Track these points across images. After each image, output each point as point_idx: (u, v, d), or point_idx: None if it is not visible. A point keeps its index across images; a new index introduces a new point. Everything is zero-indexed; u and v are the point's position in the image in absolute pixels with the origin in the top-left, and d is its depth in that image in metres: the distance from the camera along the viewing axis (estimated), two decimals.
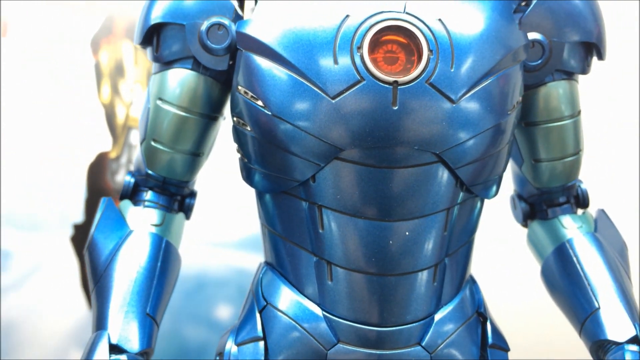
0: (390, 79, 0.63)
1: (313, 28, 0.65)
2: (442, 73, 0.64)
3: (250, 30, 0.68)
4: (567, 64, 0.76)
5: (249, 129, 0.69)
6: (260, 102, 0.67)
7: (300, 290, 0.70)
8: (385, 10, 0.64)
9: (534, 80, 0.75)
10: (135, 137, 1.37)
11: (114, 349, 0.68)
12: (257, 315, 0.72)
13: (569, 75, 0.77)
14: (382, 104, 0.63)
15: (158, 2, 0.73)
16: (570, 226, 0.82)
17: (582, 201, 0.85)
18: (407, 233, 0.66)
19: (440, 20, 0.65)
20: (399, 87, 0.63)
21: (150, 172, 0.77)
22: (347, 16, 0.64)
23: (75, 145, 1.33)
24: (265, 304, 0.72)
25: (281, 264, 0.73)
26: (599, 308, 0.75)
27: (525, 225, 0.87)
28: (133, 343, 0.69)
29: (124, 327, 0.69)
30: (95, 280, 0.74)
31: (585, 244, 0.79)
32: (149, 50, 0.76)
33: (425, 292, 0.69)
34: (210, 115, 0.76)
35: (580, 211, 0.85)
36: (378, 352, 0.67)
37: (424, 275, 0.68)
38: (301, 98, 0.64)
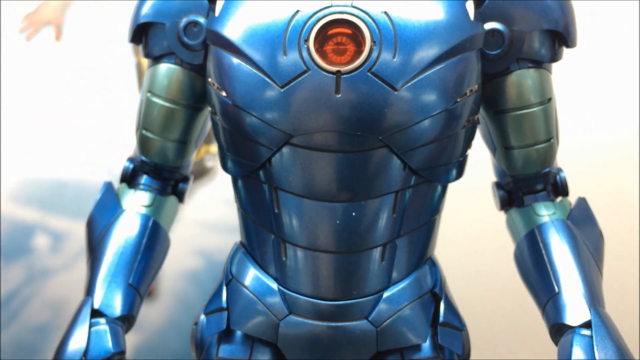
0: (334, 68, 0.67)
1: (267, 23, 0.70)
2: (384, 62, 0.67)
3: (216, 26, 0.74)
4: (532, 52, 0.77)
5: (219, 117, 0.76)
6: (224, 93, 0.73)
7: (263, 267, 0.76)
8: (334, 4, 0.69)
9: (497, 69, 0.77)
10: None
11: (96, 313, 0.76)
12: (224, 288, 0.78)
13: (537, 63, 0.78)
14: (325, 92, 0.67)
15: (145, 3, 0.81)
16: (543, 213, 0.83)
17: (560, 189, 0.85)
18: (353, 214, 0.70)
19: (385, 12, 0.69)
20: (342, 76, 0.67)
21: (144, 158, 0.85)
22: (297, 11, 0.69)
23: (119, 139, 1.45)
24: (231, 278, 0.78)
25: (250, 243, 0.79)
26: (558, 292, 0.76)
27: (505, 211, 0.89)
28: (113, 309, 0.77)
29: (106, 295, 0.77)
30: (90, 253, 0.83)
31: (552, 230, 0.80)
32: (140, 47, 0.84)
33: (373, 270, 0.72)
34: (195, 106, 0.82)
35: (558, 199, 0.85)
36: (326, 323, 0.72)
37: (372, 254, 0.72)
38: (256, 88, 0.70)
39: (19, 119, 1.45)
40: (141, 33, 0.82)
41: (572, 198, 0.86)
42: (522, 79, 0.78)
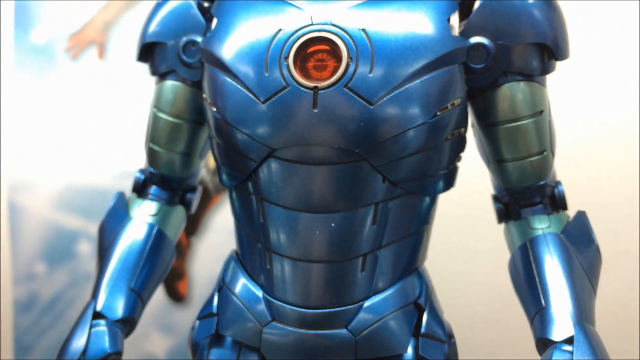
0: (311, 84, 0.70)
1: (252, 42, 0.73)
2: (360, 77, 0.69)
3: (208, 45, 0.78)
4: (519, 65, 0.77)
5: (212, 132, 0.80)
6: (214, 109, 0.77)
7: (252, 276, 0.79)
8: (315, 23, 0.72)
9: (484, 82, 0.77)
10: None
11: (98, 315, 0.81)
12: (216, 295, 0.82)
13: (527, 76, 0.78)
14: (304, 107, 0.70)
15: (150, 24, 0.86)
16: (537, 226, 0.82)
17: (558, 202, 0.84)
18: (332, 224, 0.73)
19: (364, 29, 0.71)
20: (319, 91, 0.70)
21: (152, 170, 0.91)
22: (279, 30, 0.72)
23: None
24: (222, 285, 0.81)
25: (242, 252, 0.82)
26: (545, 307, 0.75)
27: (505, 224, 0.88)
28: (114, 311, 0.81)
29: (108, 298, 0.82)
30: (98, 258, 0.88)
31: (544, 244, 0.80)
32: (148, 65, 0.89)
33: (353, 280, 0.74)
34: (198, 121, 0.87)
35: (556, 213, 0.84)
36: (306, 331, 0.74)
37: (351, 265, 0.74)
38: (241, 104, 0.73)
39: (63, 130, 1.55)
40: (147, 52, 0.87)
41: (574, 204, 0.85)
42: (512, 92, 0.78)
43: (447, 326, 0.81)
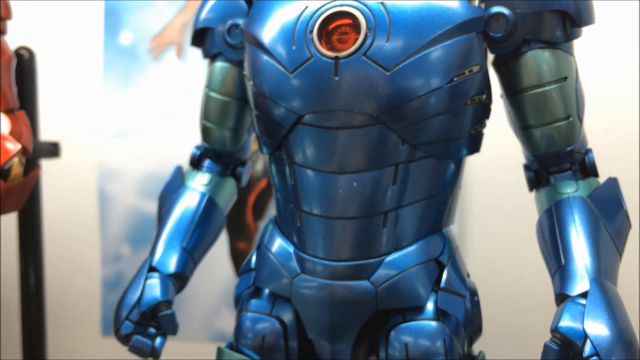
0: (333, 54, 0.76)
1: (282, 21, 0.81)
2: (377, 47, 0.75)
3: (247, 26, 0.86)
4: (541, 33, 0.80)
5: (252, 108, 0.88)
6: (252, 83, 0.85)
7: (285, 235, 0.86)
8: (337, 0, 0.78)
9: (506, 50, 0.81)
10: None
11: (153, 270, 0.91)
12: (254, 253, 0.90)
13: (549, 44, 0.80)
14: (326, 75, 0.76)
15: (201, 12, 0.96)
16: (564, 191, 0.84)
17: (589, 169, 0.85)
18: (354, 184, 0.78)
19: (382, 3, 0.76)
20: (340, 60, 0.76)
21: (206, 145, 1.00)
22: (306, 7, 0.79)
23: None
24: (260, 244, 0.89)
25: (279, 215, 0.89)
26: (565, 265, 0.77)
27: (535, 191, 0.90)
28: (167, 266, 0.91)
29: (162, 255, 0.92)
30: (157, 223, 0.98)
31: (568, 206, 0.81)
32: (201, 50, 0.99)
33: (374, 235, 0.79)
34: (244, 98, 0.95)
35: (586, 180, 0.85)
36: (330, 282, 0.80)
37: (373, 221, 0.79)
38: (273, 76, 0.81)
39: (146, 124, 1.69)
40: (200, 37, 0.97)
41: None
42: (535, 59, 0.81)
43: (470, 284, 0.85)
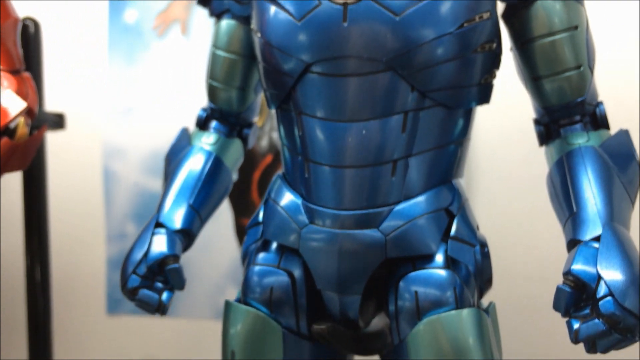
0: (341, 0, 0.75)
1: None
2: None
3: None
4: None
5: (258, 59, 0.87)
6: (259, 34, 0.84)
7: (293, 187, 0.86)
8: None
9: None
10: None
11: (160, 226, 0.91)
12: (262, 207, 0.89)
13: None
14: (335, 21, 0.76)
15: None
16: (575, 142, 0.83)
17: (600, 121, 0.85)
18: (364, 132, 0.78)
19: None
20: (348, 6, 0.75)
21: (212, 105, 1.00)
22: None
23: None
24: (268, 198, 0.88)
25: (286, 169, 0.88)
26: (576, 211, 0.76)
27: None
28: (174, 222, 0.91)
29: (169, 211, 0.92)
30: (163, 182, 0.98)
31: (579, 155, 0.81)
32: (207, 9, 0.98)
33: (383, 184, 0.78)
34: (250, 56, 0.95)
35: (595, 131, 0.85)
36: (339, 231, 0.79)
37: (382, 170, 0.78)
38: (280, 25, 0.80)
39: (150, 101, 1.69)
40: None
41: None
42: (545, 8, 0.81)
43: (480, 237, 0.84)
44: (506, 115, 1.43)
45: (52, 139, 1.50)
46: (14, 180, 1.57)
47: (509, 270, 1.46)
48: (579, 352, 0.77)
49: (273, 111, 1.60)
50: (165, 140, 1.68)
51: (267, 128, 1.63)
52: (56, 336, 1.43)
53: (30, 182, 1.33)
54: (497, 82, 0.85)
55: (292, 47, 0.79)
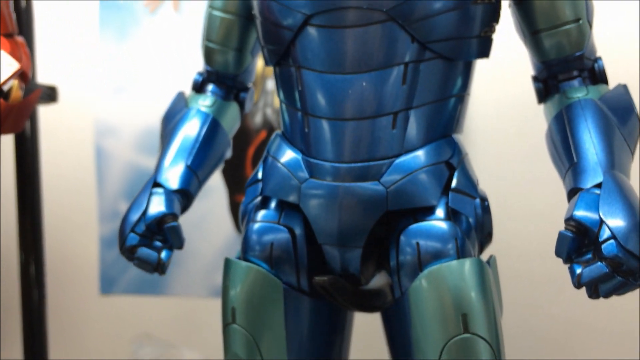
0: None
1: None
2: None
3: None
4: None
5: (256, 15, 0.86)
6: None
7: (293, 144, 0.85)
8: None
9: None
10: (270, 85, 1.61)
11: (158, 186, 0.90)
12: (261, 165, 0.88)
13: None
14: None
15: None
16: (575, 95, 0.83)
17: (598, 76, 0.85)
18: (364, 84, 0.77)
19: None
20: None
21: (209, 68, 0.99)
22: None
23: None
24: (267, 155, 0.88)
25: (285, 127, 0.88)
26: (577, 162, 0.76)
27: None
28: (171, 182, 0.90)
29: (166, 171, 0.91)
30: (160, 145, 0.97)
31: (579, 107, 0.81)
32: None
33: (384, 136, 0.78)
34: (247, 16, 0.94)
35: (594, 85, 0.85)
36: (340, 184, 0.79)
37: (382, 122, 0.78)
38: None
39: (143, 78, 1.68)
40: None
41: None
42: None
43: (481, 192, 0.84)
44: (502, 90, 1.43)
45: (44, 118, 1.48)
46: (6, 160, 1.55)
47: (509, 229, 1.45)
48: (578, 300, 0.75)
49: (268, 87, 1.62)
50: (158, 117, 1.68)
51: (261, 104, 1.62)
52: (50, 317, 1.42)
53: (22, 162, 1.32)
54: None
55: (291, 0, 0.78)
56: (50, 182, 1.66)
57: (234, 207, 1.65)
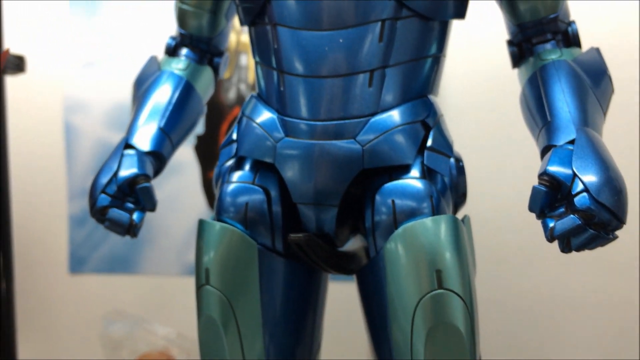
0: None
1: None
2: None
3: None
4: None
5: None
6: None
7: (268, 104, 0.84)
8: None
9: None
10: (244, 60, 1.60)
11: (130, 147, 0.88)
12: (236, 125, 0.87)
13: None
14: None
15: None
16: (549, 57, 0.84)
17: (572, 39, 0.86)
18: (340, 40, 0.77)
19: None
20: None
21: (182, 31, 0.97)
22: None
23: None
24: (242, 116, 0.87)
25: (260, 88, 0.87)
26: (550, 120, 0.77)
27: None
28: (143, 144, 0.88)
29: (139, 133, 0.89)
30: (132, 107, 0.95)
31: (552, 68, 0.82)
32: None
33: (360, 94, 0.78)
34: None
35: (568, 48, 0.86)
36: (315, 141, 0.78)
37: (358, 79, 0.78)
38: None
39: (111, 54, 1.65)
40: None
41: None
42: None
43: (456, 152, 0.84)
44: (478, 55, 1.44)
45: (12, 95, 1.45)
46: None
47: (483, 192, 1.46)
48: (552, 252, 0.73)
49: (242, 62, 1.60)
50: (129, 94, 1.65)
51: (234, 79, 1.60)
52: (17, 296, 1.39)
53: None
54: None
55: None
56: (18, 159, 1.62)
57: (206, 184, 1.64)
